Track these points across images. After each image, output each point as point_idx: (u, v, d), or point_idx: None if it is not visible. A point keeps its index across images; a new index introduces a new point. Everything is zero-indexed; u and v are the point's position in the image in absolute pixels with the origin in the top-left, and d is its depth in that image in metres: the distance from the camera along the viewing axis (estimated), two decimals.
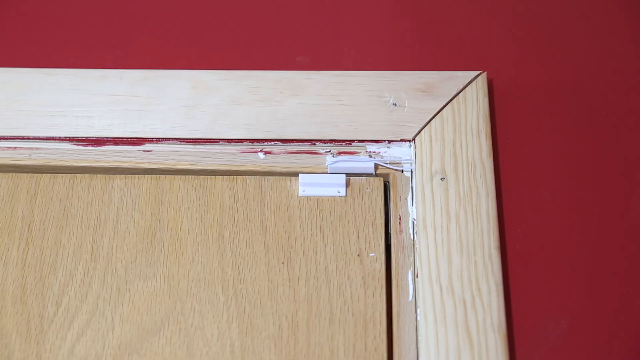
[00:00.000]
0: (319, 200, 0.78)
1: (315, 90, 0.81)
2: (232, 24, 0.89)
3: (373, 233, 0.76)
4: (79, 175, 0.78)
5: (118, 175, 0.78)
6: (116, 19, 0.89)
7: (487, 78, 0.82)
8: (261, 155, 0.80)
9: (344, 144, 0.80)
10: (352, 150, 0.80)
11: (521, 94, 0.84)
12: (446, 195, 0.76)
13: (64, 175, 0.78)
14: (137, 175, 0.78)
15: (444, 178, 0.77)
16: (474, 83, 0.81)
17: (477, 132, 0.79)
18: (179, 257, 0.75)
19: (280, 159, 0.80)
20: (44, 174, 0.78)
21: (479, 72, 0.82)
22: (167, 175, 0.78)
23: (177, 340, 0.71)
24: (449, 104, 0.80)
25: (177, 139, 0.80)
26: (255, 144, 0.80)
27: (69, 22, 0.89)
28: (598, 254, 0.77)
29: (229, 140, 0.80)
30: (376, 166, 0.80)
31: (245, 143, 0.80)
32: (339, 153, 0.80)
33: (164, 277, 0.74)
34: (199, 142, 0.80)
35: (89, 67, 0.83)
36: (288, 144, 0.80)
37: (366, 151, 0.80)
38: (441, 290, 0.73)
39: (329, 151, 0.80)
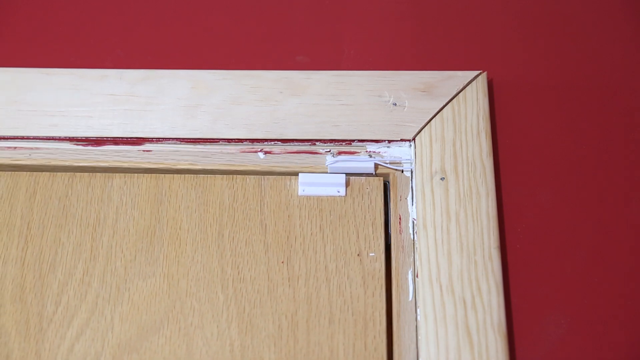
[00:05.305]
0: (319, 199, 0.78)
1: (315, 90, 0.81)
2: (232, 24, 0.89)
3: (373, 233, 0.76)
4: (78, 174, 0.78)
5: (117, 174, 0.78)
6: (116, 19, 0.89)
7: (487, 78, 0.82)
8: (261, 155, 0.80)
9: (344, 143, 0.80)
10: (352, 150, 0.80)
11: (521, 94, 0.84)
12: (446, 195, 0.76)
13: (64, 173, 0.78)
14: (136, 174, 0.78)
15: (444, 178, 0.77)
16: (474, 83, 0.81)
17: (477, 132, 0.79)
18: (179, 256, 0.75)
19: (280, 159, 0.80)
20: (44, 173, 0.78)
21: (479, 71, 0.82)
22: (166, 175, 0.78)
23: (177, 339, 0.71)
24: (449, 103, 0.80)
25: (177, 139, 0.80)
26: (255, 143, 0.80)
27: (68, 22, 0.89)
28: (598, 254, 0.77)
29: (229, 140, 0.80)
30: (376, 166, 0.80)
31: (245, 143, 0.80)
32: (339, 153, 0.80)
33: (163, 276, 0.74)
34: (198, 142, 0.80)
35: (89, 67, 0.83)
36: (288, 143, 0.80)
37: (366, 151, 0.80)
38: (441, 289, 0.72)
39: (329, 151, 0.80)
